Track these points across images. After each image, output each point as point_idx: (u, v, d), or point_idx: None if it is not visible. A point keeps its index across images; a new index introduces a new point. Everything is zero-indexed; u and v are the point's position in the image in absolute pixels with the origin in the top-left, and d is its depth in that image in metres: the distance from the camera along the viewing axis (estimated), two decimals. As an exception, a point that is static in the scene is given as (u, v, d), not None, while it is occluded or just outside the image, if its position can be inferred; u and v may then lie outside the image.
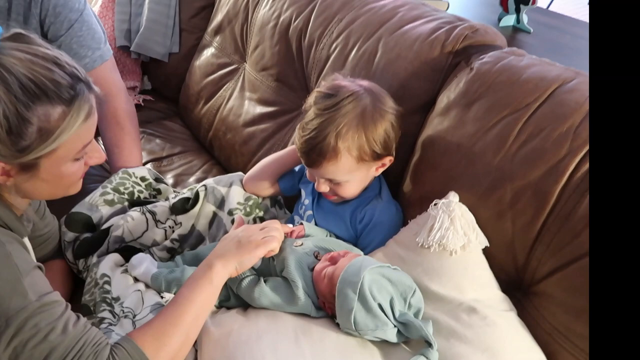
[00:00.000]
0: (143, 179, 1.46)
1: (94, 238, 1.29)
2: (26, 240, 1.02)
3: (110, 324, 1.07)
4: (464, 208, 1.06)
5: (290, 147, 1.34)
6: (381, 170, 1.20)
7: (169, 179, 1.69)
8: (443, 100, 1.19)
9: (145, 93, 2.09)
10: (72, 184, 1.00)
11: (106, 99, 1.50)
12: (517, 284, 1.05)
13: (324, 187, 1.18)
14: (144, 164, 1.75)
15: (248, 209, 1.33)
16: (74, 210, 1.34)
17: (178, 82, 1.97)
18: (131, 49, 2.00)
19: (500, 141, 1.06)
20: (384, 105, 1.14)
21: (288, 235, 1.14)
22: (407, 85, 1.24)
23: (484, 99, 1.11)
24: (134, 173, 1.45)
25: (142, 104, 2.01)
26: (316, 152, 1.11)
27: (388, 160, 1.19)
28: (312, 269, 1.04)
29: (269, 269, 1.09)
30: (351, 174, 1.15)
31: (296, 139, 1.16)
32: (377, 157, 1.15)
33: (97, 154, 1.01)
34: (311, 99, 1.16)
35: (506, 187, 1.03)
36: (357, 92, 1.12)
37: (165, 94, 2.07)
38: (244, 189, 1.35)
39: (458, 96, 1.16)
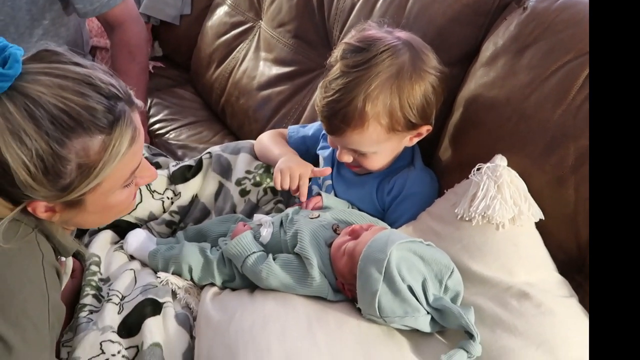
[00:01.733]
0: None
1: None
2: (69, 259, 1.02)
3: (92, 312, 1.00)
4: (514, 173, 0.98)
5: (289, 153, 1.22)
6: (416, 140, 1.11)
7: (177, 151, 1.66)
8: (489, 47, 1.11)
9: (155, 60, 2.05)
10: (125, 209, 0.97)
11: (120, 28, 1.60)
12: (578, 266, 0.97)
13: (346, 158, 1.09)
14: (149, 132, 1.72)
15: (258, 178, 1.24)
16: None
17: (190, 47, 1.94)
18: (140, 10, 1.95)
19: (560, 92, 0.97)
20: (426, 65, 1.03)
21: (303, 207, 1.08)
22: (445, 32, 1.17)
23: (540, 42, 1.02)
24: None
25: (152, 71, 1.98)
26: (339, 117, 1.01)
27: (425, 130, 1.09)
28: (329, 245, 0.98)
29: (280, 244, 1.02)
30: (379, 145, 1.06)
31: (317, 99, 1.07)
32: (411, 126, 1.05)
33: (147, 173, 0.96)
34: (338, 52, 1.06)
35: (569, 146, 0.95)
36: (394, 46, 1.01)
37: (177, 60, 2.04)
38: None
39: (508, 41, 1.07)
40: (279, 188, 1.11)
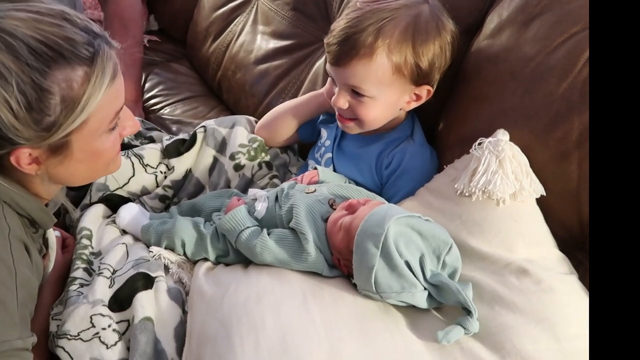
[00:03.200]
0: None
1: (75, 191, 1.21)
2: (50, 231, 0.98)
3: (82, 285, 0.98)
4: (516, 149, 0.97)
5: (309, 94, 1.24)
6: (413, 105, 1.08)
7: (172, 126, 1.63)
8: (493, 19, 1.09)
9: (150, 33, 2.01)
10: (111, 160, 0.93)
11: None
12: (579, 243, 0.96)
13: (342, 101, 1.05)
14: (143, 107, 1.69)
15: (252, 153, 1.23)
16: None
17: (186, 20, 1.88)
18: None
19: (567, 64, 0.95)
20: (443, 23, 1.03)
21: (299, 182, 1.07)
22: (449, 3, 1.10)
23: (547, 13, 1.00)
24: None
25: (147, 45, 1.94)
26: (349, 44, 0.99)
27: (425, 91, 1.06)
28: (326, 220, 0.97)
29: (275, 219, 1.01)
30: (381, 87, 1.02)
31: (328, 37, 1.04)
32: (417, 76, 1.02)
33: (130, 122, 0.93)
34: None
35: (573, 121, 0.92)
36: None
37: (172, 34, 2.00)
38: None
39: (513, 12, 1.05)
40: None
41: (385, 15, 0.97)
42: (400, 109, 1.08)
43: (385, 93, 1.02)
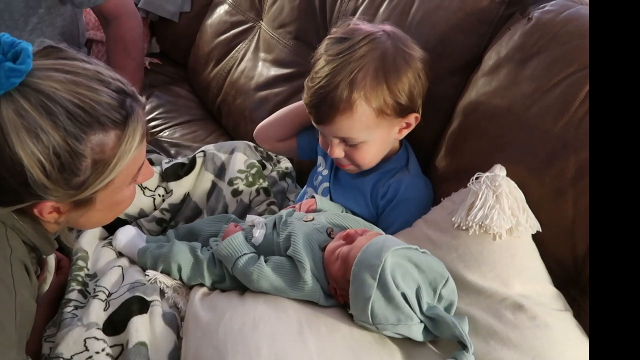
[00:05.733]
0: None
1: None
2: (51, 258, 0.99)
3: (77, 307, 0.97)
4: (513, 184, 0.96)
5: None
6: (405, 132, 1.09)
7: (171, 149, 1.64)
8: (491, 57, 1.09)
9: (152, 56, 2.04)
10: (126, 207, 0.97)
11: (115, 22, 1.58)
12: (573, 280, 0.95)
13: (338, 152, 1.06)
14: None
15: (250, 179, 1.23)
16: None
17: (188, 44, 1.91)
18: (139, 5, 1.94)
19: (563, 103, 0.95)
20: (409, 50, 1.04)
21: (297, 209, 1.06)
22: (448, 40, 1.15)
23: (544, 53, 1.01)
24: None
25: (149, 67, 1.96)
26: (328, 103, 1.00)
27: (414, 119, 1.07)
28: (323, 249, 0.96)
29: (272, 246, 1.00)
30: (369, 131, 1.03)
31: (304, 94, 1.06)
32: (400, 111, 1.03)
33: (148, 170, 0.95)
34: (321, 48, 1.06)
35: (569, 159, 0.93)
36: (374, 33, 1.02)
37: (174, 57, 2.02)
38: (256, 143, 1.27)
39: (511, 51, 1.05)
40: None
41: (354, 67, 0.98)
42: (395, 139, 1.10)
43: (375, 134, 1.04)
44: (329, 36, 1.06)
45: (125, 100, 0.81)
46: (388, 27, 1.05)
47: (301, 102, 1.22)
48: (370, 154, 1.07)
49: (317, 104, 1.01)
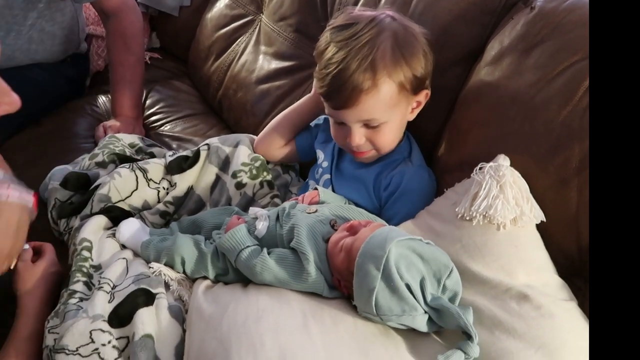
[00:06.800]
0: (132, 145, 1.39)
1: (80, 199, 1.20)
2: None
3: (82, 299, 0.97)
4: (517, 174, 0.95)
5: (305, 97, 1.25)
6: (416, 112, 1.10)
7: (172, 143, 1.63)
8: (494, 46, 1.08)
9: (152, 51, 2.02)
10: None
11: (115, 17, 1.57)
12: (578, 269, 0.94)
13: (359, 137, 1.06)
14: (144, 124, 1.69)
15: (254, 171, 1.22)
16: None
17: (188, 38, 1.89)
18: (139, 0, 1.90)
19: (567, 93, 0.94)
20: (414, 29, 1.06)
21: (300, 202, 1.06)
22: (450, 30, 1.14)
23: (548, 42, 0.99)
24: (122, 139, 1.38)
25: (149, 62, 1.94)
26: (350, 86, 0.99)
27: (424, 96, 1.08)
28: (327, 240, 0.96)
29: (275, 238, 1.00)
30: (391, 110, 1.04)
31: (316, 86, 1.05)
32: (417, 86, 1.05)
33: (7, 99, 0.88)
34: (324, 38, 1.05)
35: (574, 148, 0.92)
36: (378, 17, 1.04)
37: (174, 51, 1.99)
38: (254, 151, 1.25)
39: (514, 40, 1.04)
40: None
41: (370, 47, 0.99)
42: (407, 120, 1.10)
43: (395, 113, 1.05)
44: (330, 26, 1.06)
45: None
46: (388, 11, 1.07)
47: (292, 107, 1.25)
48: (392, 135, 1.08)
49: (338, 89, 1.00)
